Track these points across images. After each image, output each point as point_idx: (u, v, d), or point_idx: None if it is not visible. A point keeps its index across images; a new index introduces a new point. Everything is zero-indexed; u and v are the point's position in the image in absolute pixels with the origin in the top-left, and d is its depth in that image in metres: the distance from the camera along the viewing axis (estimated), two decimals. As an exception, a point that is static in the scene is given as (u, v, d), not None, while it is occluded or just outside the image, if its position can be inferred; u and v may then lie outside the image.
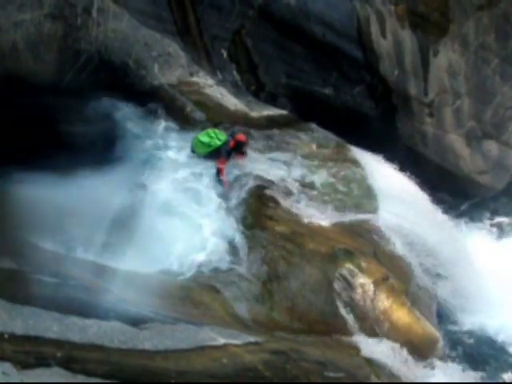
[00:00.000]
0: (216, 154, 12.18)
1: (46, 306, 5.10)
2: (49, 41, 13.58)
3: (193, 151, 12.49)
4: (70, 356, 4.58)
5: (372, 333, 8.79)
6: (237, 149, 12.34)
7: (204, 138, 12.20)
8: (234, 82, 15.33)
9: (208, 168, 12.08)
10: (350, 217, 10.91)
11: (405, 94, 14.70)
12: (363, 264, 9.44)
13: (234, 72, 15.31)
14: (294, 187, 11.58)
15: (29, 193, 10.21)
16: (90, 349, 4.79)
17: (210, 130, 12.38)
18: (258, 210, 10.65)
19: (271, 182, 11.52)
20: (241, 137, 12.41)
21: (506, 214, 15.45)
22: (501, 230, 14.76)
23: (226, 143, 12.14)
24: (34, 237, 8.55)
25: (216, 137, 12.25)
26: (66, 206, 10.23)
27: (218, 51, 15.16)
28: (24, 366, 4.35)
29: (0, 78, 12.52)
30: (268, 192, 11.17)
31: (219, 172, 11.98)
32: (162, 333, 5.44)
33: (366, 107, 15.03)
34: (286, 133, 14.12)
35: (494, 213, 15.55)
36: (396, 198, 12.28)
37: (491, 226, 14.94)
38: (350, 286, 9.04)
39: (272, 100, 15.37)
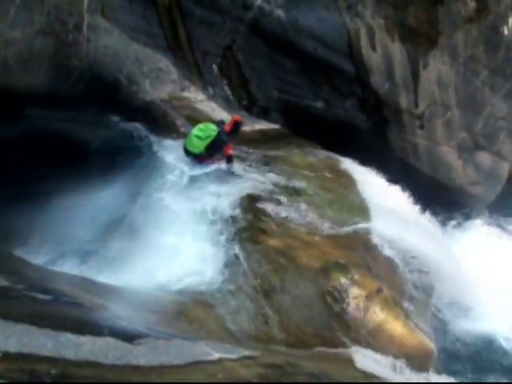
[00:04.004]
0: (214, 148, 12.38)
1: (40, 324, 5.07)
2: (40, 57, 13.61)
3: (188, 152, 12.51)
4: (65, 373, 4.56)
5: (367, 345, 8.78)
6: (234, 131, 12.75)
7: (199, 133, 12.29)
8: (225, 97, 15.38)
9: (202, 179, 12.12)
10: (342, 229, 10.92)
11: (396, 107, 14.77)
12: (357, 277, 9.43)
13: (226, 87, 15.36)
14: (287, 201, 11.60)
15: (20, 209, 10.22)
16: (85, 365, 4.77)
17: (200, 125, 12.48)
18: (251, 224, 10.65)
19: (264, 196, 11.53)
20: (237, 117, 12.95)
21: (498, 224, 15.51)
22: (493, 240, 14.80)
23: (221, 131, 12.31)
24: (27, 253, 8.54)
25: (208, 128, 12.36)
26: (58, 222, 10.24)
27: (209, 66, 15.22)
28: (18, 384, 4.34)
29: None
30: (260, 205, 11.17)
31: (230, 158, 12.41)
32: (156, 348, 5.42)
33: (358, 120, 15.10)
34: (279, 147, 14.17)
35: (486, 223, 15.60)
36: (388, 210, 12.31)
37: (484, 235, 14.97)
38: (343, 298, 9.03)
39: (264, 114, 15.43)
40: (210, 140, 12.24)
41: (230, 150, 12.35)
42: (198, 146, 12.30)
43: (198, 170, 12.33)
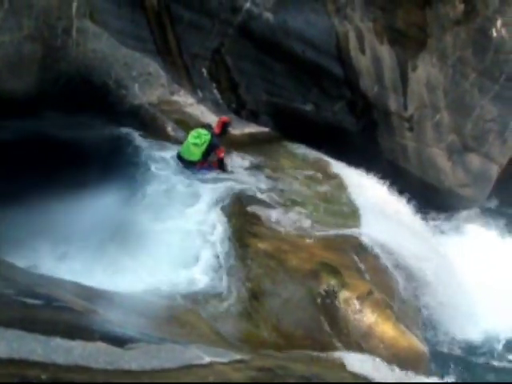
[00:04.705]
0: (208, 153, 12.48)
1: (30, 329, 5.04)
2: (29, 62, 13.57)
3: (184, 161, 12.47)
4: (56, 378, 4.52)
5: (358, 347, 8.78)
6: (223, 132, 12.85)
7: (196, 140, 12.28)
8: (214, 101, 15.39)
9: (192, 184, 12.12)
10: (332, 232, 10.94)
11: (385, 109, 14.79)
12: (347, 279, 9.45)
13: (215, 90, 15.37)
14: (277, 204, 11.61)
15: (10, 213, 10.17)
16: (76, 370, 4.73)
17: (193, 132, 12.45)
18: (241, 228, 10.65)
19: (254, 199, 11.54)
20: (224, 118, 13.03)
21: (488, 226, 15.55)
22: (483, 241, 14.82)
23: (213, 134, 12.34)
24: (17, 258, 8.49)
25: (201, 134, 12.35)
26: (49, 226, 10.19)
27: (199, 70, 15.22)
28: (8, 389, 4.31)
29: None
30: (251, 209, 11.17)
31: (222, 161, 12.58)
32: (147, 353, 5.39)
33: (347, 123, 15.12)
34: (268, 150, 14.18)
35: (476, 225, 15.63)
36: (378, 212, 12.34)
37: (474, 237, 15.00)
38: (334, 301, 9.04)
39: (253, 117, 15.44)
40: (205, 145, 12.27)
41: (221, 153, 12.44)
42: (196, 154, 12.33)
43: (191, 176, 12.33)
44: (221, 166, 12.55)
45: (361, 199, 12.48)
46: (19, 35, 13.31)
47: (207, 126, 12.79)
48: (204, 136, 12.26)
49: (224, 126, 12.84)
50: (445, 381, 9.62)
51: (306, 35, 14.34)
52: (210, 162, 12.58)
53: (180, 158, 12.50)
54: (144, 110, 14.54)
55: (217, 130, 12.65)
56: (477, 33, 14.42)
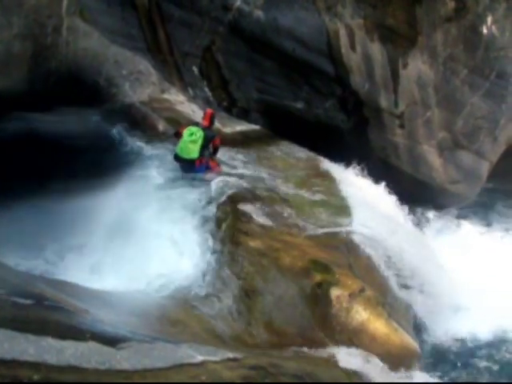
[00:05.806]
0: (205, 147, 12.43)
1: (22, 329, 5.03)
2: (18, 60, 13.54)
3: (182, 160, 12.43)
4: (47, 378, 4.50)
5: (350, 345, 8.79)
6: (212, 123, 12.85)
7: (192, 137, 12.23)
8: (205, 99, 15.41)
9: (182, 181, 12.12)
10: (324, 230, 10.93)
11: (376, 107, 14.80)
12: (339, 277, 9.44)
13: (206, 88, 15.38)
14: (268, 202, 11.60)
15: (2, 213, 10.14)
16: (68, 370, 4.72)
17: (186, 131, 12.40)
18: (233, 226, 10.63)
19: (245, 197, 11.53)
20: (210, 110, 13.07)
21: (478, 223, 15.57)
22: (474, 238, 14.85)
23: (204, 128, 12.35)
24: (7, 258, 8.47)
25: (193, 130, 12.32)
26: (38, 225, 10.16)
27: (189, 68, 15.23)
28: (0, 390, 4.29)
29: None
30: (242, 207, 11.16)
31: (218, 148, 12.84)
32: (139, 352, 5.38)
33: (338, 120, 15.12)
34: (259, 147, 14.18)
35: (467, 222, 15.66)
36: (370, 209, 12.34)
37: (465, 233, 15.02)
38: (326, 299, 9.04)
39: (244, 115, 15.46)
40: (201, 140, 12.23)
41: (217, 141, 12.57)
42: (195, 150, 12.24)
43: (184, 174, 12.32)
44: (215, 151, 12.70)
45: (352, 196, 12.47)
46: (9, 33, 13.28)
47: (195, 123, 12.79)
48: (197, 132, 12.24)
49: (211, 118, 12.82)
50: (441, 380, 9.64)
51: (296, 33, 14.36)
52: (206, 159, 12.53)
53: (177, 158, 12.41)
54: (135, 108, 14.53)
55: (206, 123, 12.62)
56: (467, 30, 14.44)
